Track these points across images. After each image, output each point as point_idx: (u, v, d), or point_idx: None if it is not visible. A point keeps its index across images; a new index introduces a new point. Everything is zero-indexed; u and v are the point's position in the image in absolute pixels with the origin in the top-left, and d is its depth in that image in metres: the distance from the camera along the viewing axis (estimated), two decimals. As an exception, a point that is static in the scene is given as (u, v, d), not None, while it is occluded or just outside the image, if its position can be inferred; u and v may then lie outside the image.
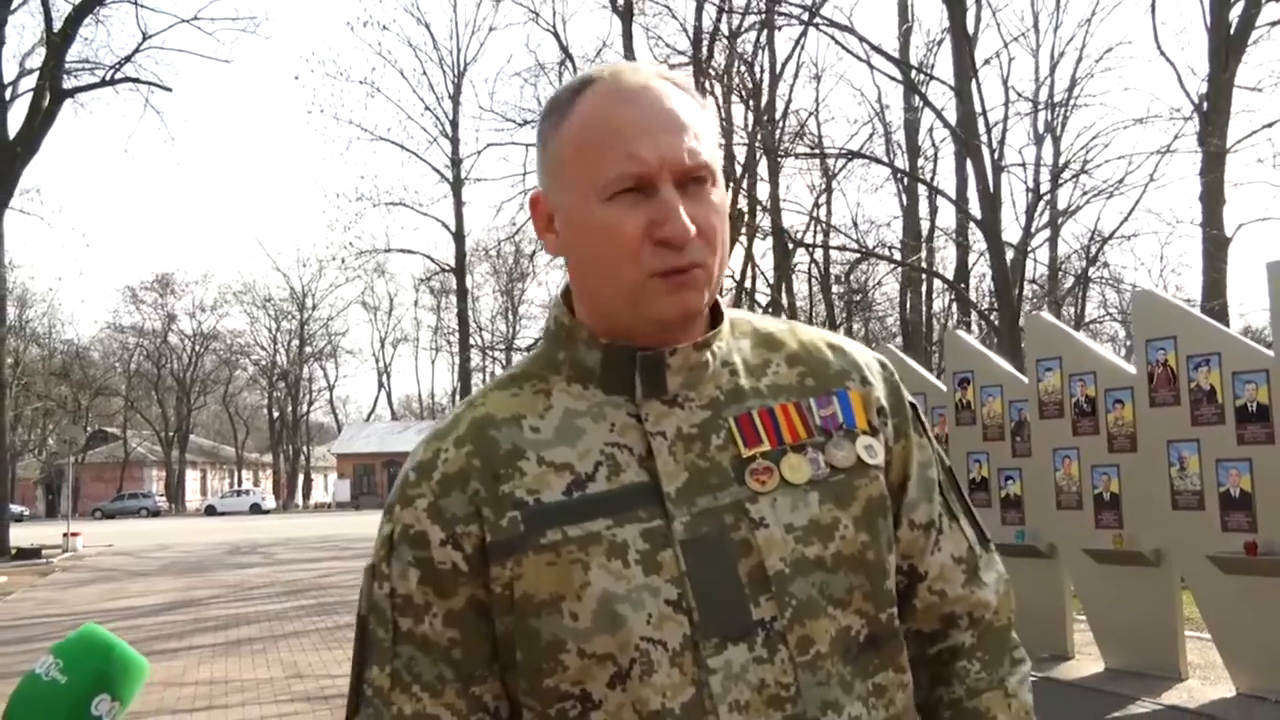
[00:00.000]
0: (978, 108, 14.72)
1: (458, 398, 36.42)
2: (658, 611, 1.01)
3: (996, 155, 13.49)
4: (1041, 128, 25.44)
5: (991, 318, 13.60)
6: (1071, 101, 24.71)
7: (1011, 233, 17.32)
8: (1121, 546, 6.88)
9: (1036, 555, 7.53)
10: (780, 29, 17.23)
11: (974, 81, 13.35)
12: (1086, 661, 7.37)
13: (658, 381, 1.07)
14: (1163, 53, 16.47)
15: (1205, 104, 14.13)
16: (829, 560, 1.04)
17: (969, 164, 13.92)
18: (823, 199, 23.05)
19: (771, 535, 1.03)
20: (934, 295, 22.86)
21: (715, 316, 1.14)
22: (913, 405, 1.18)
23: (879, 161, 17.76)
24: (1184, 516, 6.42)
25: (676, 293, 1.03)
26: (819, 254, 22.51)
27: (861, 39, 13.66)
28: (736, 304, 22.14)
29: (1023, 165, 17.50)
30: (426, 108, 42.56)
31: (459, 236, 33.18)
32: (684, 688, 1.00)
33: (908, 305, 26.46)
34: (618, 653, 1.01)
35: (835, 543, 1.05)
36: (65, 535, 25.47)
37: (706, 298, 1.06)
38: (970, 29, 18.24)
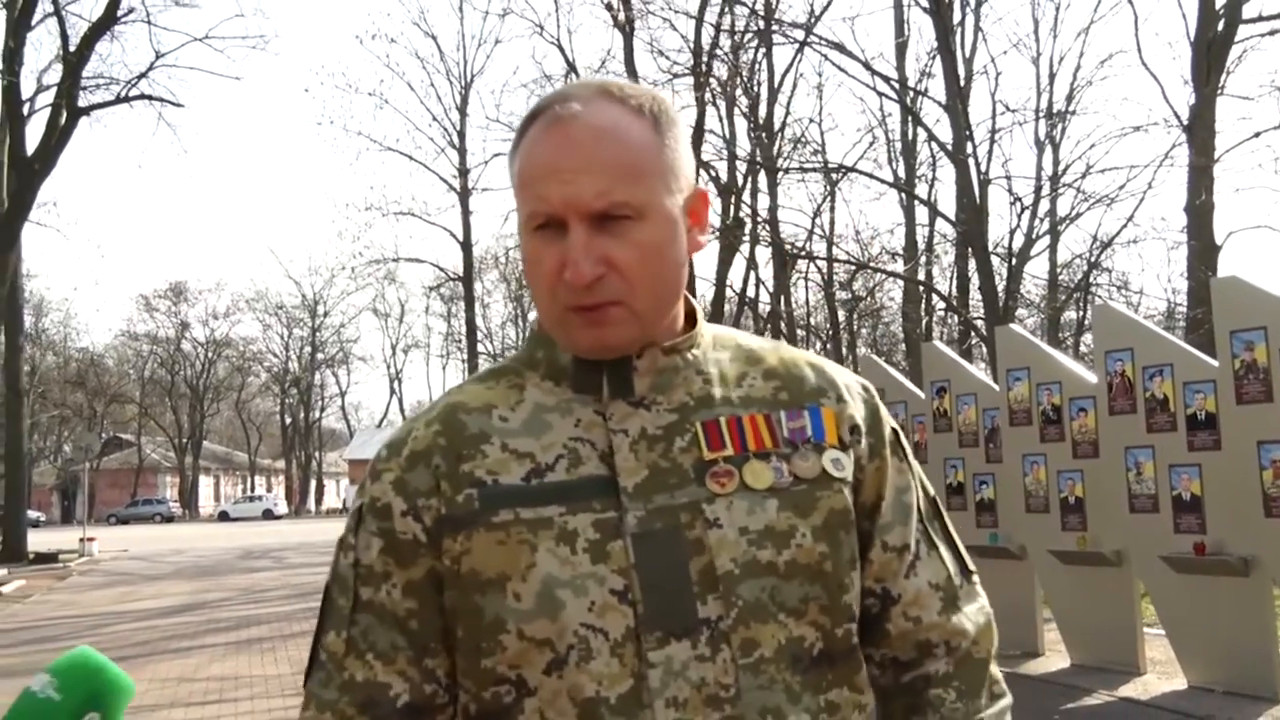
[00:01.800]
0: (969, 121, 15.17)
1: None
2: (601, 600, 1.01)
3: (985, 168, 13.84)
4: (1042, 135, 25.85)
5: (980, 327, 13.94)
6: (1070, 110, 25.07)
7: (1013, 242, 17.66)
8: (1085, 548, 7.24)
9: (1008, 557, 7.88)
10: (776, 47, 17.58)
11: (959, 100, 13.70)
12: (1055, 657, 7.71)
13: (624, 383, 1.09)
14: (1147, 67, 16.82)
15: (1191, 117, 14.46)
16: (782, 566, 1.04)
17: (955, 177, 14.27)
18: (824, 207, 23.44)
19: (724, 536, 1.03)
20: (934, 303, 23.17)
21: (692, 321, 1.16)
22: (894, 431, 1.18)
23: (871, 176, 18.11)
24: (1141, 519, 6.78)
25: (591, 328, 1.05)
26: (821, 262, 22.84)
27: (854, 57, 14.02)
28: (738, 314, 22.52)
29: (1007, 178, 17.74)
30: (434, 119, 43.18)
31: (466, 245, 33.62)
32: (622, 679, 1.01)
33: (914, 312, 26.78)
34: (555, 638, 1.01)
35: (790, 550, 1.05)
36: (81, 540, 25.89)
37: (632, 331, 1.06)
38: (962, 46, 18.63)
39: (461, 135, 32.75)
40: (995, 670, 1.18)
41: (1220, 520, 6.30)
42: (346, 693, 1.08)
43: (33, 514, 40.00)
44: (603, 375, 1.09)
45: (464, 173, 32.13)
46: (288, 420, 66.44)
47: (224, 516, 56.58)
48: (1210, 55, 13.42)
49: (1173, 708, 6.20)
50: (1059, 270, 26.62)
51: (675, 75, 20.21)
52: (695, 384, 1.11)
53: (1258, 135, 15.69)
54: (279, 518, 55.46)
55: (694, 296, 1.18)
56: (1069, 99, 25.41)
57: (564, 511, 1.04)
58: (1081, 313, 28.49)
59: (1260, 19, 13.98)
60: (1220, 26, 13.26)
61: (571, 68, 24.11)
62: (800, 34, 15.41)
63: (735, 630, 1.02)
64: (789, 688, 1.03)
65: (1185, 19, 14.49)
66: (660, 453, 1.07)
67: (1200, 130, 13.98)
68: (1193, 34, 14.20)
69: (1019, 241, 22.50)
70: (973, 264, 14.88)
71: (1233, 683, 6.27)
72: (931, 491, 1.21)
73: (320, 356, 64.66)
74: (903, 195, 23.17)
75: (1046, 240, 25.64)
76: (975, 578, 1.20)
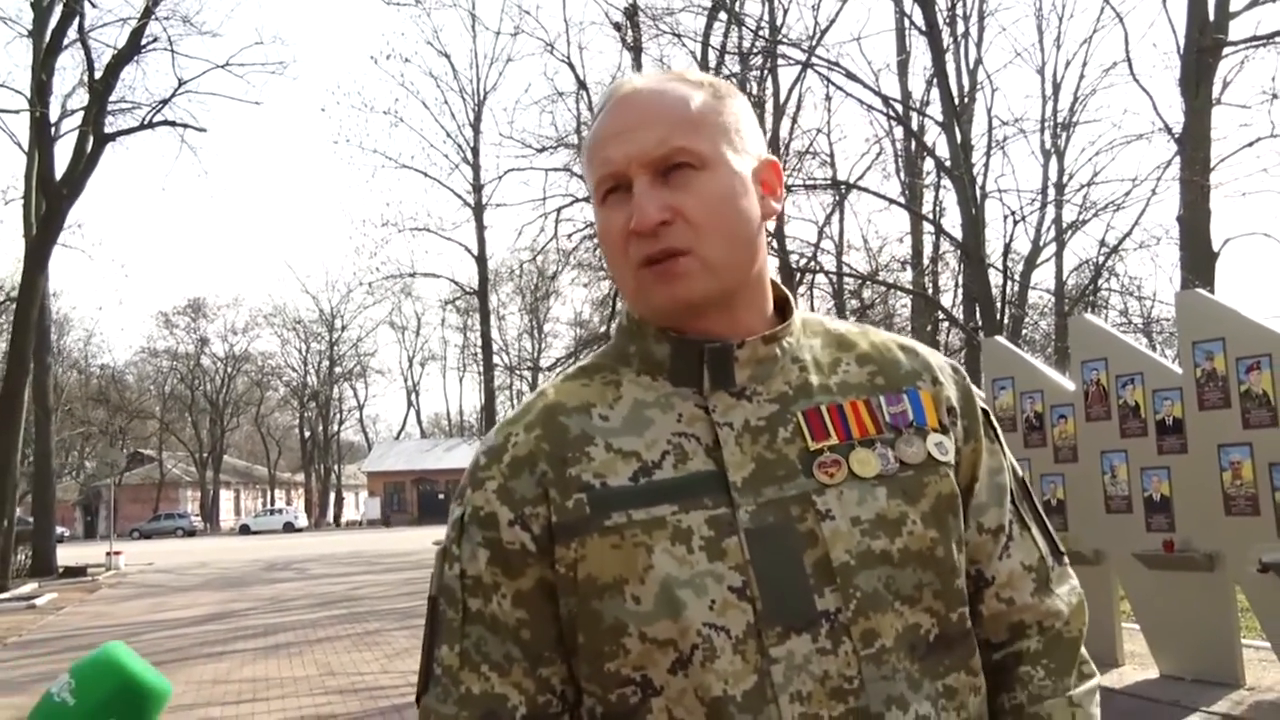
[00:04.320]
0: (970, 135, 15.60)
1: (485, 415, 37.25)
2: (721, 598, 1.00)
3: (982, 181, 14.27)
4: (1047, 144, 26.23)
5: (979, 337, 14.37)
6: (1074, 120, 25.46)
7: (1009, 256, 18.04)
8: (1065, 548, 7.64)
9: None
10: (781, 67, 18.05)
11: (954, 118, 14.15)
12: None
13: (725, 374, 1.07)
14: (1138, 81, 17.18)
15: (1182, 129, 14.85)
16: (896, 555, 1.03)
17: (953, 191, 14.70)
18: (834, 217, 23.86)
19: (837, 527, 1.03)
20: (938, 314, 23.55)
21: (784, 313, 1.15)
22: (985, 411, 1.16)
23: (873, 193, 18.53)
24: (1116, 519, 7.20)
25: (661, 281, 1.05)
26: (833, 268, 23.24)
27: (854, 78, 14.48)
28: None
29: (1001, 192, 18.16)
30: (448, 135, 43.63)
31: (481, 260, 34.18)
32: (746, 675, 1.00)
33: (920, 323, 27.15)
34: (679, 638, 1.00)
35: (903, 537, 1.04)
36: (108, 554, 26.51)
37: (706, 284, 1.06)
38: (966, 58, 19.07)
39: (475, 151, 33.35)
40: (1084, 651, 1.17)
41: (1187, 519, 6.72)
42: (465, 707, 1.06)
43: (57, 529, 40.63)
44: (702, 366, 1.08)
45: (478, 188, 32.68)
46: (306, 434, 67.16)
47: (245, 530, 57.20)
48: (1199, 69, 13.83)
49: (1145, 695, 6.61)
50: (1066, 277, 27.02)
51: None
52: (793, 372, 1.10)
53: (1251, 145, 16.13)
54: (299, 530, 56.04)
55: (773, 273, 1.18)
56: (1072, 108, 25.86)
57: (676, 510, 1.03)
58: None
59: (1243, 41, 14.39)
60: (1209, 41, 13.65)
61: (582, 85, 24.59)
62: (802, 55, 15.84)
63: (855, 622, 1.01)
64: (910, 676, 1.02)
65: (1175, 33, 14.87)
66: (765, 444, 1.06)
67: (1191, 141, 14.38)
68: (1182, 47, 14.63)
69: (1020, 253, 22.94)
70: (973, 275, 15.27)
71: (1201, 671, 6.69)
72: (1020, 472, 1.19)
73: (338, 370, 65.44)
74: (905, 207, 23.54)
75: (1053, 248, 26.10)
76: (1066, 559, 1.19)
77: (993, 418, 1.17)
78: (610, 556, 1.02)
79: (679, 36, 19.01)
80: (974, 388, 1.17)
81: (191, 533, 56.41)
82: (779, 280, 1.17)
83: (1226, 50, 14.19)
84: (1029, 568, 1.14)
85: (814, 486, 1.04)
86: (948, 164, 13.83)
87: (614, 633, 1.02)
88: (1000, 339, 9.64)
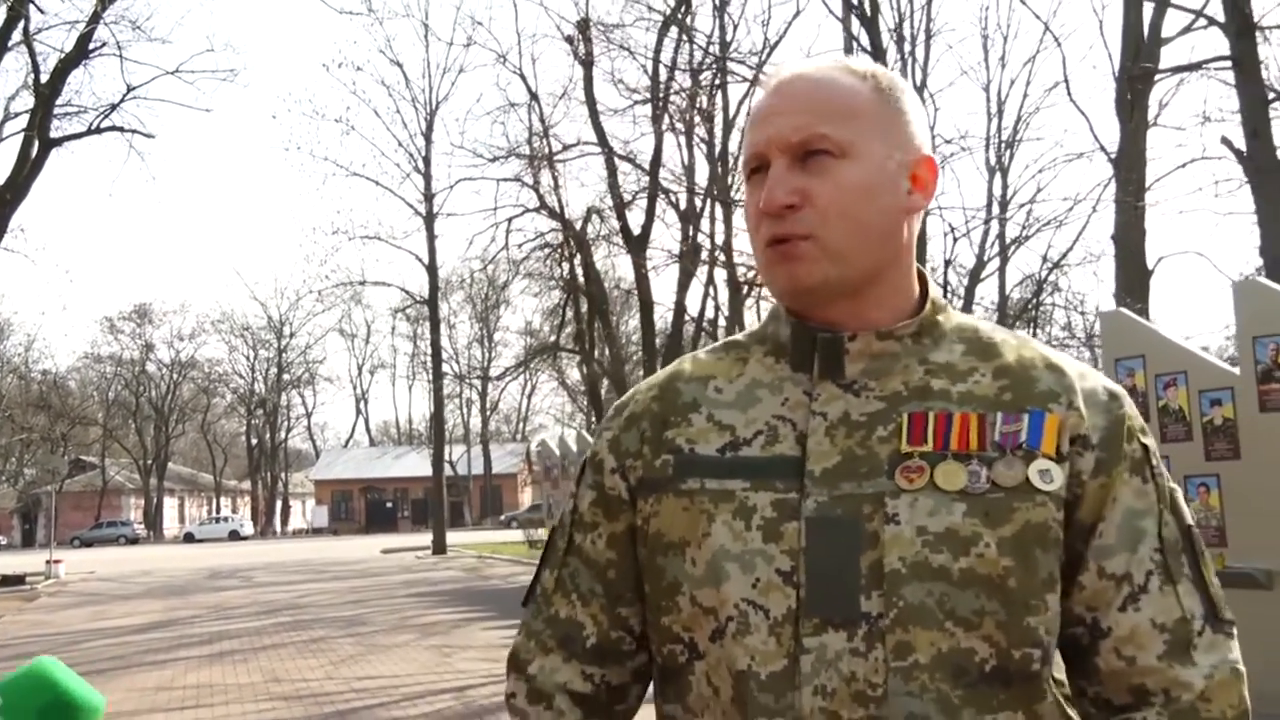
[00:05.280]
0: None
1: (434, 424, 37.21)
2: (766, 578, 1.02)
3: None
4: (993, 161, 26.81)
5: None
6: (1018, 138, 26.08)
7: (949, 272, 18.40)
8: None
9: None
10: (731, 84, 18.33)
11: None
12: None
13: (835, 364, 1.08)
14: (1075, 104, 17.66)
15: (1118, 150, 15.30)
16: (956, 574, 0.99)
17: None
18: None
19: (900, 533, 1.00)
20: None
21: (924, 309, 1.12)
22: (1144, 448, 1.08)
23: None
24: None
25: (782, 263, 1.07)
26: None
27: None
28: (696, 336, 23.20)
29: (940, 210, 18.54)
30: (399, 144, 43.70)
31: (432, 269, 34.13)
32: (776, 658, 1.01)
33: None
34: (719, 608, 1.04)
35: (969, 558, 0.99)
36: (48, 562, 26.03)
37: (824, 271, 1.06)
38: (913, 75, 19.44)
39: (427, 161, 33.27)
40: None
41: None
42: (550, 626, 1.18)
43: (-4, 537, 39.92)
44: (814, 354, 1.09)
45: (429, 197, 32.62)
46: (253, 441, 66.50)
47: (189, 538, 56.50)
48: (1133, 94, 14.28)
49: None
50: (1010, 291, 27.59)
51: (635, 103, 20.98)
52: (915, 373, 1.08)
53: (1184, 166, 16.68)
54: (245, 539, 55.46)
55: (925, 270, 1.16)
56: (1016, 126, 26.46)
57: (747, 487, 1.05)
58: (1030, 331, 29.50)
59: (1170, 70, 14.88)
60: (1138, 70, 14.10)
61: (534, 96, 24.74)
62: (750, 71, 16.11)
63: (892, 631, 0.99)
64: (944, 699, 0.98)
65: (1111, 58, 15.34)
66: (858, 440, 1.05)
67: (1125, 163, 14.83)
68: (1117, 72, 15.09)
69: (965, 266, 23.42)
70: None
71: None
72: (1188, 521, 1.08)
73: (286, 377, 64.92)
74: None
75: (997, 263, 26.67)
76: (1230, 628, 1.06)
77: (1154, 456, 1.08)
78: (679, 517, 1.08)
79: (630, 51, 19.22)
80: (1137, 422, 1.09)
81: (134, 541, 55.56)
82: (928, 281, 1.14)
83: (1159, 76, 14.65)
84: (1161, 626, 1.03)
85: (891, 488, 1.02)
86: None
87: (671, 590, 1.08)
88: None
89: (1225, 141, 11.15)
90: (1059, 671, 1.07)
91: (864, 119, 1.07)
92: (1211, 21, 12.66)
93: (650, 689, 1.19)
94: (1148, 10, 14.67)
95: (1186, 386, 6.45)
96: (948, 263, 16.29)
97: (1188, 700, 1.01)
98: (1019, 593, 1.00)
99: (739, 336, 1.19)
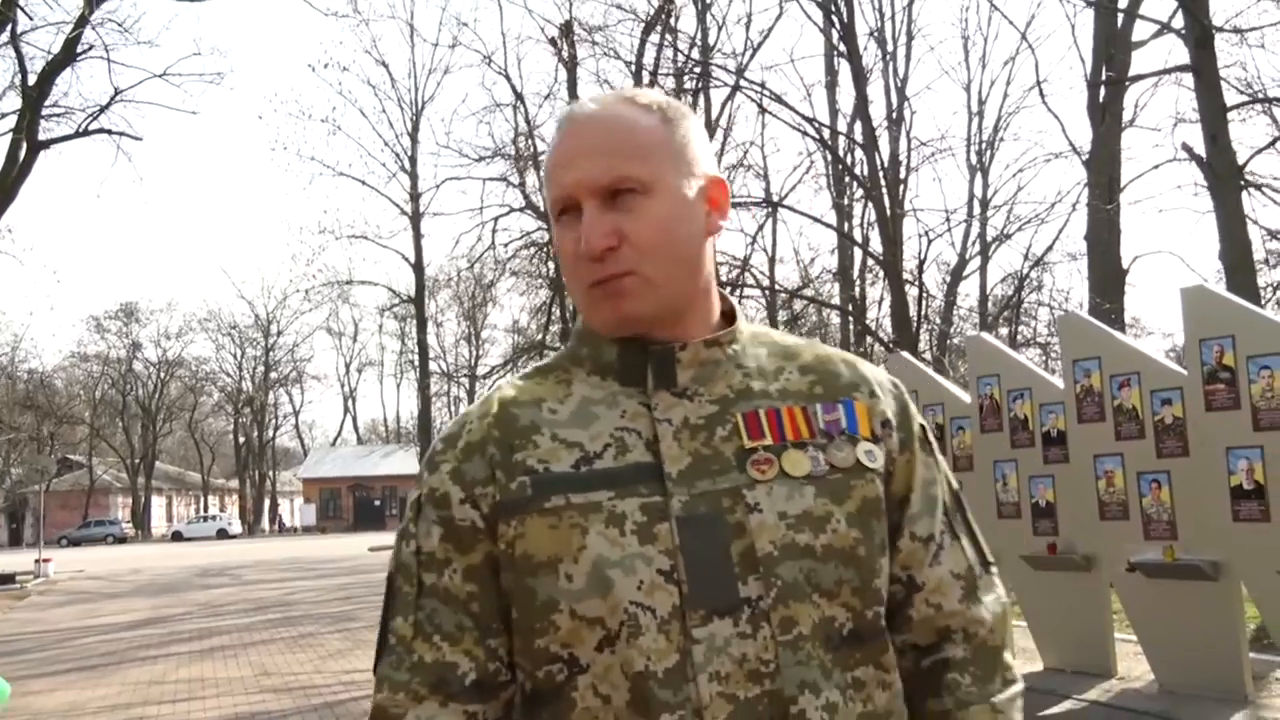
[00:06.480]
0: (896, 153, 16.31)
1: (421, 422, 37.35)
2: (649, 579, 1.06)
3: (901, 199, 14.92)
4: (974, 160, 27.15)
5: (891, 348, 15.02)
6: (999, 138, 26.44)
7: (924, 272, 18.71)
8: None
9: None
10: (712, 89, 18.57)
11: (874, 141, 14.80)
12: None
13: (668, 374, 1.14)
14: (1048, 108, 17.92)
15: (1090, 153, 15.61)
16: (819, 550, 1.08)
17: (871, 210, 15.35)
18: (766, 228, 24.44)
19: (764, 520, 1.08)
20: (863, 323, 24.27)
21: (731, 322, 1.22)
22: (922, 426, 1.22)
23: (799, 212, 19.14)
24: (1007, 524, 7.73)
25: (609, 300, 1.12)
26: (765, 281, 23.83)
27: (781, 101, 15.04)
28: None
29: (915, 211, 18.87)
30: (386, 144, 43.75)
31: (418, 268, 34.36)
32: (669, 654, 1.05)
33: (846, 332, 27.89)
34: (607, 616, 1.06)
35: (826, 534, 1.09)
36: (37, 561, 26.21)
37: (649, 302, 1.13)
38: (895, 74, 19.76)
39: (413, 160, 33.49)
40: (1009, 658, 1.21)
41: (1068, 524, 7.27)
42: (417, 674, 1.12)
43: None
44: (648, 367, 1.15)
45: (415, 197, 32.79)
46: (241, 439, 66.45)
47: (178, 537, 56.44)
48: (1105, 98, 14.60)
49: (1028, 686, 7.09)
50: (992, 289, 27.97)
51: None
52: (735, 377, 1.16)
53: (1157, 168, 17.03)
54: (233, 537, 55.51)
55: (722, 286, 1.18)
56: (996, 126, 26.82)
57: (612, 496, 1.09)
58: (1011, 328, 29.84)
59: (1138, 77, 15.20)
60: (1106, 78, 14.42)
61: (519, 97, 24.91)
62: (731, 76, 16.38)
63: (775, 609, 1.06)
64: (823, 664, 1.07)
65: (1084, 63, 15.67)
66: (703, 441, 1.12)
67: (1096, 166, 15.14)
68: (1089, 77, 15.40)
69: (947, 263, 23.73)
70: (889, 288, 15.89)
71: (1079, 664, 7.24)
72: (955, 485, 1.25)
73: (274, 375, 64.87)
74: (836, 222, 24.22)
75: (978, 262, 27.03)
76: (994, 569, 1.24)
77: (929, 433, 1.24)
78: (547, 536, 1.09)
79: (614, 53, 19.45)
80: (912, 404, 1.24)
81: (122, 539, 55.51)
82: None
83: (1128, 82, 14.97)
84: (957, 575, 1.19)
85: (745, 481, 1.09)
86: (869, 186, 14.47)
87: (545, 609, 1.08)
88: (904, 353, 10.15)
89: (1186, 148, 11.43)
90: None
91: (660, 152, 1.14)
92: (1171, 30, 12.96)
93: None
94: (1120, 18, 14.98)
95: (1139, 387, 6.73)
96: (921, 264, 16.61)
97: (983, 635, 1.19)
98: (866, 561, 1.12)
99: (549, 361, 1.24)
